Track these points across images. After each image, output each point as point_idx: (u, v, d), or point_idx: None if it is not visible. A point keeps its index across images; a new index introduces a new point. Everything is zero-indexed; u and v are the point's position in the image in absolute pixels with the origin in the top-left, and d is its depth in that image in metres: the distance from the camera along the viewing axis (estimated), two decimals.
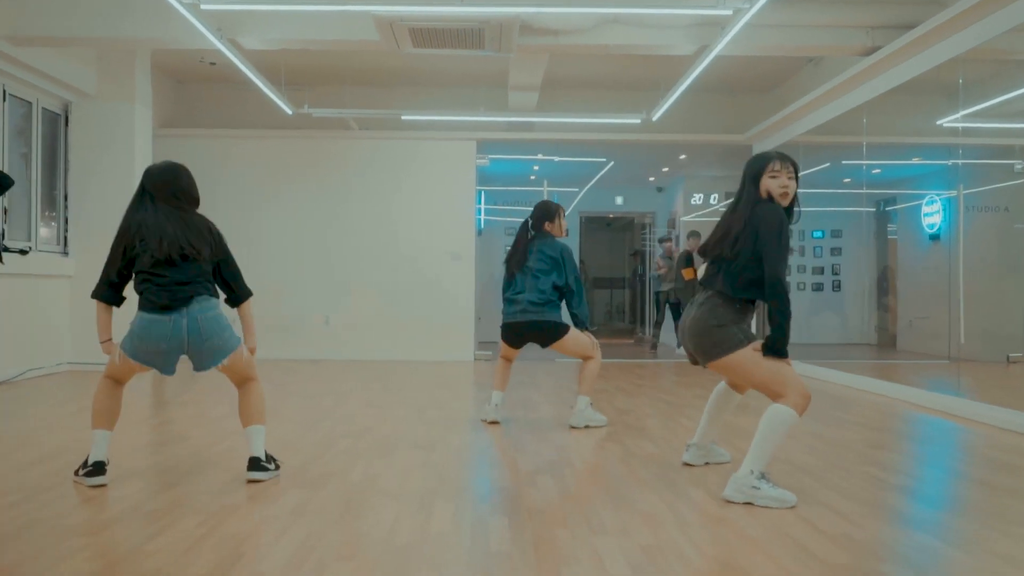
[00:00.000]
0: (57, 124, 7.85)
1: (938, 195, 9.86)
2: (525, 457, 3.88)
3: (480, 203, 11.35)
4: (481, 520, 2.79)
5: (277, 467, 3.44)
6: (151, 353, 3.21)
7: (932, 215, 10.02)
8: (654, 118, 8.42)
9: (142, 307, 3.21)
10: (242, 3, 5.27)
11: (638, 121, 8.63)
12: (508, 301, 4.83)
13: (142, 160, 8.00)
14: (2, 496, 3.05)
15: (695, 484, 3.32)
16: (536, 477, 3.44)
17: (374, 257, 9.60)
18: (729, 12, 5.16)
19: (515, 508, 2.95)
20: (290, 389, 6.54)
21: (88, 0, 6.49)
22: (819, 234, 12.10)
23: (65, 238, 7.91)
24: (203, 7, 5.26)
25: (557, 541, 2.57)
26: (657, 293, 11.69)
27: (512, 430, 4.65)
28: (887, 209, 11.51)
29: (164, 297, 3.17)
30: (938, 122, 7.59)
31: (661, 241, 11.82)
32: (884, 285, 11.75)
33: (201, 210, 3.43)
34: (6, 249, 5.61)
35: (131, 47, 7.53)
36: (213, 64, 8.86)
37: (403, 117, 8.89)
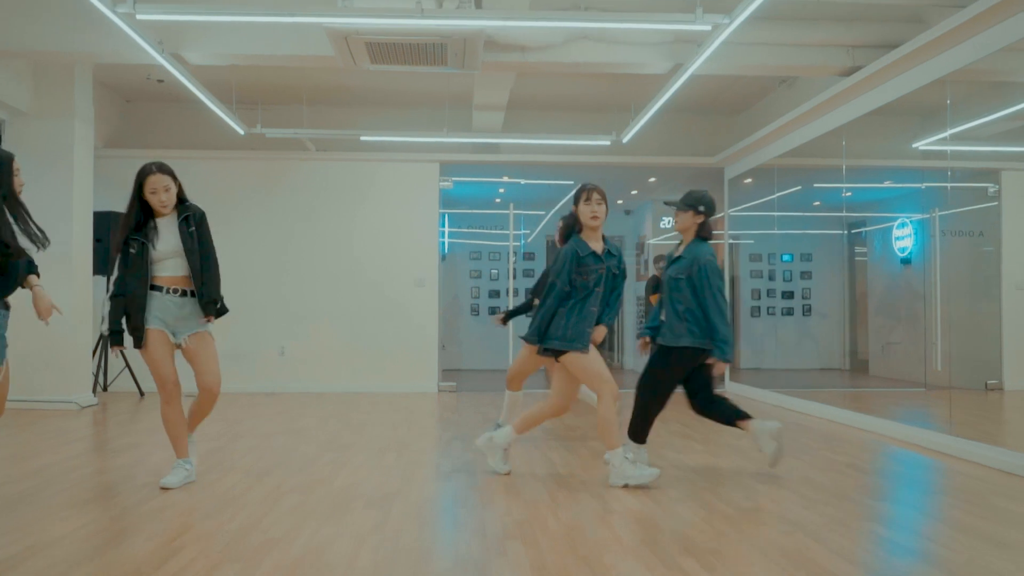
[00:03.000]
0: None
1: (909, 218, 9.68)
2: (493, 516, 3.47)
3: (444, 226, 10.96)
4: None
5: None
6: None
7: (903, 238, 9.84)
8: (624, 139, 8.11)
9: None
10: (181, 13, 4.82)
11: (607, 143, 8.32)
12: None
13: (82, 180, 7.49)
14: None
15: (688, 551, 2.94)
16: (506, 543, 3.03)
17: (332, 284, 9.14)
18: (708, 27, 4.85)
19: None
20: (241, 428, 6.05)
21: (19, 9, 6.02)
22: (788, 258, 11.86)
23: None
24: (139, 17, 4.82)
25: None
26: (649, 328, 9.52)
27: (479, 478, 4.23)
28: (854, 231, 11.34)
29: None
30: (914, 144, 7.40)
31: (657, 261, 9.65)
32: (855, 309, 11.55)
33: None
34: None
35: (67, 61, 7.03)
36: (161, 81, 8.39)
37: (362, 138, 8.49)
